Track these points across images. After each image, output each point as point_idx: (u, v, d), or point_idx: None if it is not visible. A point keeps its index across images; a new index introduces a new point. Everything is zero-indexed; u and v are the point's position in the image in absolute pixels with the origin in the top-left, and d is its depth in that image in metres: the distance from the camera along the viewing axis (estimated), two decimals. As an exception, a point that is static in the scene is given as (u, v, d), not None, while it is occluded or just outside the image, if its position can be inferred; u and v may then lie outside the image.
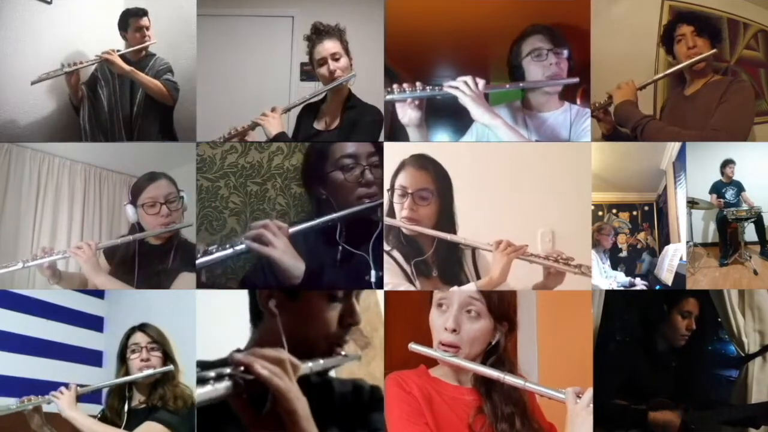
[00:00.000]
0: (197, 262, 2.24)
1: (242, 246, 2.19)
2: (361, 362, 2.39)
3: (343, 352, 1.68)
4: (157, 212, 2.54)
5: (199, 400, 1.34)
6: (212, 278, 2.56)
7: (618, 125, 2.63)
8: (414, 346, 2.00)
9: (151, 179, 2.57)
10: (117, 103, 2.77)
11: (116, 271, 2.55)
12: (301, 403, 1.43)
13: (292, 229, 2.24)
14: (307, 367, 1.54)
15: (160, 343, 2.51)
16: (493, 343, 1.99)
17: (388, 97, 2.47)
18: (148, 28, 2.78)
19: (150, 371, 2.45)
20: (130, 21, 2.77)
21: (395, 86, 2.45)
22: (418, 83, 2.44)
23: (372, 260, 2.34)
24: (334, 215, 2.33)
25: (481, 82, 2.42)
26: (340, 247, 2.35)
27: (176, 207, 2.56)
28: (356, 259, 2.35)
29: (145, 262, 2.56)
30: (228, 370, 1.37)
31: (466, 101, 2.41)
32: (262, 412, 1.38)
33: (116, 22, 2.78)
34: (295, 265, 2.18)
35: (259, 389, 1.39)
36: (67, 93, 2.76)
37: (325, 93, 2.64)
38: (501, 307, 2.00)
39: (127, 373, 2.48)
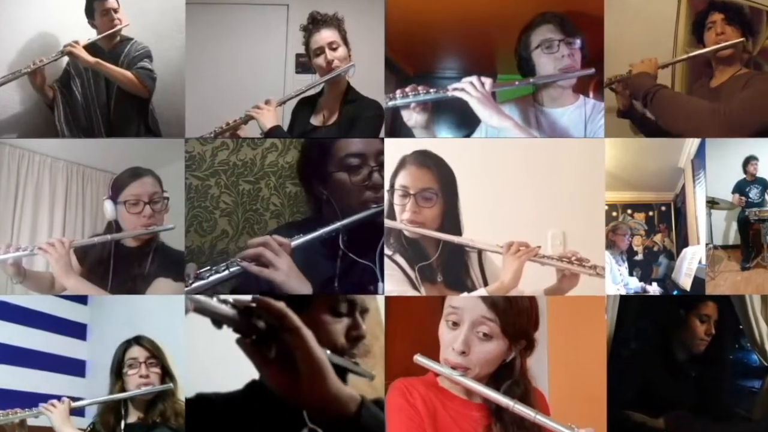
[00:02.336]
0: (188, 288, 2.15)
1: (238, 268, 2.12)
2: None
3: (355, 360, 1.77)
4: (140, 212, 2.51)
5: (214, 312, 1.30)
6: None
7: (632, 96, 2.66)
8: (420, 359, 1.97)
9: (135, 175, 2.55)
10: (92, 97, 2.76)
11: (88, 274, 2.53)
12: (304, 329, 1.41)
13: (294, 243, 2.19)
14: (326, 352, 1.53)
15: (158, 357, 2.52)
16: (507, 360, 1.95)
17: (390, 103, 2.47)
18: (116, 11, 2.72)
19: (150, 388, 2.47)
20: (95, 5, 2.72)
21: (398, 92, 2.45)
22: (421, 87, 2.44)
23: (379, 269, 2.33)
24: (339, 224, 2.29)
25: (487, 82, 2.42)
26: (341, 252, 2.33)
27: (160, 208, 2.55)
28: (360, 267, 2.33)
29: (120, 266, 2.54)
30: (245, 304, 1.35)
31: (473, 103, 2.40)
32: (271, 355, 1.37)
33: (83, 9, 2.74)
34: (300, 287, 2.16)
35: (270, 335, 1.38)
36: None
37: (323, 86, 2.64)
38: (518, 326, 1.94)
39: (123, 389, 2.50)
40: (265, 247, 2.12)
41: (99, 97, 2.75)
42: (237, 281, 2.32)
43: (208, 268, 2.14)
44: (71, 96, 2.76)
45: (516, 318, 1.94)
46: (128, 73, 2.71)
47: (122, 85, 2.71)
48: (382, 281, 2.32)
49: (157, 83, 2.76)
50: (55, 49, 2.73)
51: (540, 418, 1.84)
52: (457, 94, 2.41)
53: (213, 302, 1.29)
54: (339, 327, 1.77)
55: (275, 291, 2.10)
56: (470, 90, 2.40)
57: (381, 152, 2.40)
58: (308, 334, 1.35)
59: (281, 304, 1.36)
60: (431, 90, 2.44)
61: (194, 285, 2.12)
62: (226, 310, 1.30)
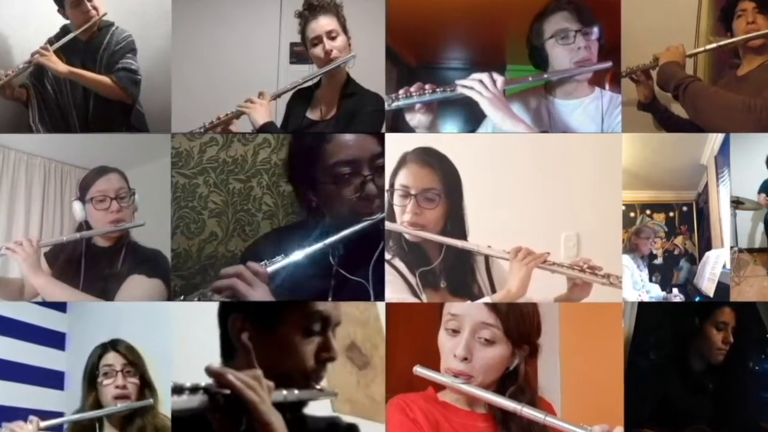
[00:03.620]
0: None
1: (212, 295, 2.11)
2: (359, 385, 2.53)
3: (318, 387, 1.76)
4: (107, 207, 2.53)
5: (174, 409, 1.47)
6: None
7: (660, 87, 2.65)
8: (420, 370, 1.98)
9: (100, 173, 2.57)
10: (68, 95, 2.72)
11: (59, 276, 2.54)
12: (275, 417, 1.54)
13: (271, 269, 2.14)
14: (281, 394, 1.62)
15: (136, 365, 2.51)
16: (511, 368, 1.98)
17: (393, 105, 2.44)
18: None
19: (127, 404, 2.45)
20: None
21: (401, 92, 2.42)
22: (427, 86, 2.41)
23: (372, 287, 2.29)
24: (326, 242, 2.21)
25: (499, 80, 2.39)
26: (333, 271, 2.28)
27: (127, 204, 2.56)
28: (352, 285, 2.29)
29: (91, 266, 2.56)
30: (203, 384, 1.49)
31: (484, 104, 2.38)
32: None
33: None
34: None
35: (235, 407, 1.51)
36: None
37: (320, 77, 2.61)
38: (521, 330, 1.97)
39: (97, 400, 2.48)
40: (238, 278, 2.07)
41: (75, 96, 2.71)
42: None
43: (182, 298, 2.26)
44: (45, 93, 2.72)
45: (518, 321, 1.96)
46: (107, 81, 2.67)
47: (102, 93, 2.68)
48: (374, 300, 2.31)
49: (141, 73, 2.72)
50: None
51: (550, 420, 1.86)
52: (466, 92, 2.39)
53: (183, 399, 1.46)
54: (309, 348, 1.75)
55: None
56: (481, 89, 2.37)
57: (377, 156, 2.30)
58: (264, 409, 1.51)
59: (233, 378, 1.50)
60: (438, 89, 2.41)
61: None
62: (191, 400, 1.46)
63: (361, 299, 2.30)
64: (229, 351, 1.77)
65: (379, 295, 2.29)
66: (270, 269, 2.13)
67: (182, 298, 2.22)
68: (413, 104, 2.42)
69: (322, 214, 2.30)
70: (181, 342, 2.41)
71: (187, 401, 1.47)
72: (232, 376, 1.52)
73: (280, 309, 1.77)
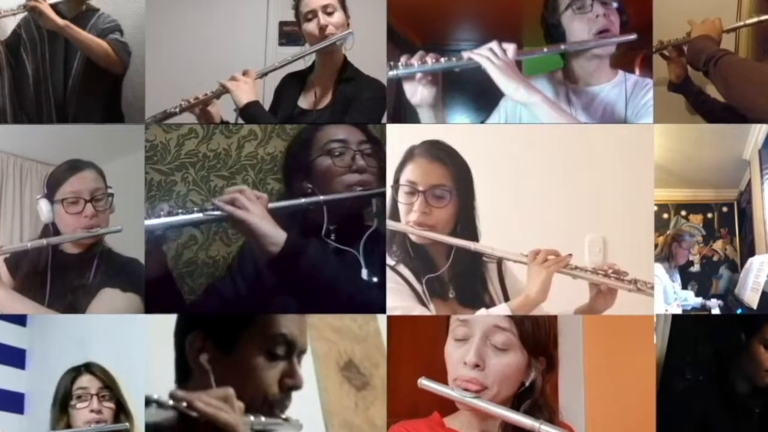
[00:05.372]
0: (150, 222, 2.21)
1: (215, 212, 2.20)
2: (357, 408, 2.54)
3: (283, 416, 1.76)
4: (80, 211, 2.46)
5: (147, 421, 1.52)
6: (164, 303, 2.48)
7: (690, 65, 2.63)
8: (425, 382, 1.94)
9: (73, 169, 2.51)
10: (46, 74, 2.71)
11: (22, 287, 2.50)
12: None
13: (271, 204, 2.25)
14: (248, 420, 1.63)
15: (111, 389, 2.49)
16: (527, 384, 1.92)
17: (392, 73, 2.39)
18: None
19: (101, 426, 2.45)
20: None
21: (402, 58, 2.39)
22: (430, 55, 2.38)
23: (363, 258, 2.33)
24: (321, 197, 2.33)
25: (510, 48, 2.36)
26: (329, 245, 2.35)
27: (103, 207, 2.50)
28: (345, 256, 2.34)
29: (58, 276, 2.50)
30: (171, 402, 1.52)
31: (494, 73, 2.34)
32: None
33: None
34: (274, 232, 2.19)
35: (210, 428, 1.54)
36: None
37: (314, 60, 2.61)
38: (537, 338, 1.93)
39: (68, 426, 2.47)
40: (241, 194, 2.21)
41: (54, 73, 2.72)
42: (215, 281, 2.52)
43: (181, 209, 2.25)
44: (20, 68, 2.72)
45: (534, 327, 1.94)
46: (103, 42, 2.68)
47: (94, 56, 2.68)
48: (366, 268, 2.33)
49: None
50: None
51: None
52: (475, 58, 2.35)
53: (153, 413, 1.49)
54: (273, 373, 1.75)
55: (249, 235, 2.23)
56: (490, 56, 2.35)
57: (364, 141, 2.43)
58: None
59: (203, 406, 1.52)
60: (442, 58, 2.38)
61: (164, 219, 2.22)
62: (160, 414, 1.49)
63: (353, 266, 2.32)
64: (184, 373, 1.77)
65: (370, 268, 2.33)
66: (271, 204, 2.25)
67: (178, 209, 2.24)
68: (414, 74, 2.39)
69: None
70: (156, 358, 2.29)
71: (157, 414, 1.50)
72: (201, 402, 1.52)
73: (241, 328, 1.77)
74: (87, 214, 2.46)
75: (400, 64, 2.38)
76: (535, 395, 1.92)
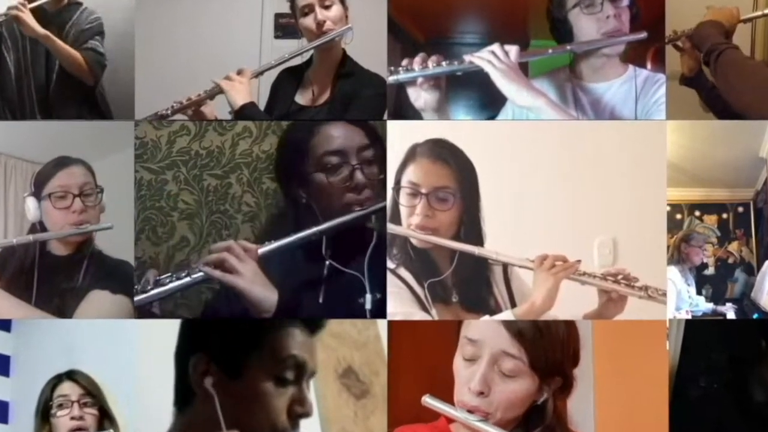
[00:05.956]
0: (139, 298, 2.26)
1: (201, 274, 2.23)
2: (357, 417, 2.54)
3: None
4: (68, 206, 2.45)
5: None
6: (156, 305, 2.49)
7: (695, 48, 2.60)
8: (429, 401, 1.93)
9: (61, 165, 2.50)
10: (28, 70, 2.70)
11: (7, 289, 2.47)
12: None
13: (261, 250, 2.25)
14: None
15: (94, 396, 2.47)
16: (539, 402, 1.90)
17: (392, 78, 2.40)
18: None
19: None
20: None
21: (404, 62, 2.39)
22: (431, 58, 2.38)
23: (368, 280, 2.31)
24: (316, 229, 2.31)
25: (512, 50, 2.37)
26: (327, 263, 2.35)
27: (92, 203, 2.48)
28: (346, 279, 2.33)
29: (46, 279, 2.49)
30: None
31: (496, 77, 2.35)
32: None
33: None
34: (265, 296, 2.20)
35: None
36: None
37: (311, 54, 2.60)
38: (550, 360, 1.89)
39: None
40: (229, 253, 2.22)
41: (36, 70, 2.71)
42: (209, 303, 2.52)
43: (169, 274, 2.26)
44: (2, 65, 2.71)
45: (548, 350, 1.90)
46: (77, 55, 2.68)
47: (66, 65, 2.68)
48: (370, 293, 2.31)
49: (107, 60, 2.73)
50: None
51: None
52: (477, 62, 2.36)
53: None
54: (282, 401, 1.72)
55: (240, 300, 2.23)
56: (492, 60, 2.35)
57: (365, 147, 2.38)
58: None
59: None
60: (443, 62, 2.38)
61: (152, 292, 2.26)
62: None
63: (355, 293, 2.31)
64: (185, 397, 1.75)
65: (375, 288, 2.31)
66: (261, 250, 2.25)
67: (169, 275, 2.24)
68: (416, 78, 2.39)
69: (312, 210, 2.37)
70: (147, 366, 2.40)
71: None
72: None
73: (248, 350, 1.75)
74: (75, 209, 2.45)
75: (400, 69, 2.39)
76: (547, 418, 1.91)
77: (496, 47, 2.36)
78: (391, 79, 2.41)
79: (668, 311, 2.45)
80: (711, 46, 2.49)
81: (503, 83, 2.34)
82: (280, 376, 1.73)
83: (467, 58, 2.37)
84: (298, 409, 1.74)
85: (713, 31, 2.52)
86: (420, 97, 2.41)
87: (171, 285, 2.24)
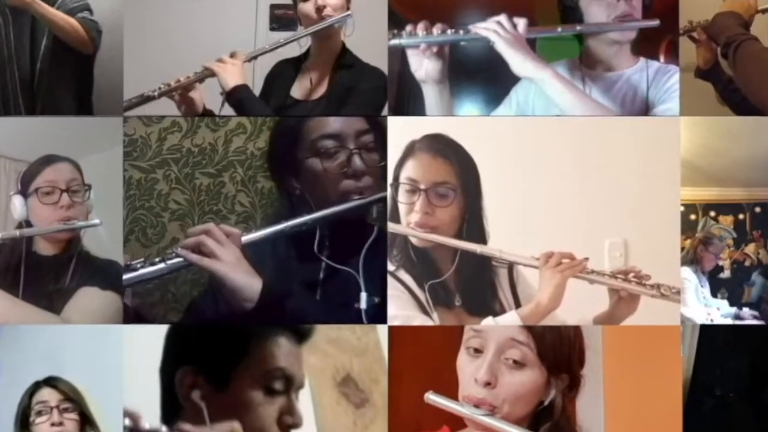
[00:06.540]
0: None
1: (178, 259, 2.15)
2: (356, 426, 2.53)
3: None
4: (56, 201, 2.44)
5: None
6: (146, 309, 2.53)
7: (712, 40, 2.60)
8: (432, 398, 1.94)
9: (48, 162, 2.50)
10: (11, 57, 2.68)
11: None
12: None
13: (245, 237, 2.19)
14: None
15: (74, 401, 2.46)
16: (546, 403, 1.90)
17: (394, 41, 2.38)
18: None
19: None
20: None
21: (408, 27, 2.38)
22: (437, 25, 2.37)
23: (363, 279, 2.29)
24: (307, 218, 2.27)
25: (521, 22, 2.36)
26: (323, 264, 2.33)
27: (80, 199, 2.47)
28: (342, 278, 2.31)
29: (33, 279, 2.48)
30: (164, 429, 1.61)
31: (501, 47, 2.33)
32: None
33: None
34: (247, 283, 2.14)
35: None
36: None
37: (309, 47, 2.59)
38: (558, 354, 1.91)
39: None
40: (207, 236, 2.15)
41: (20, 56, 2.70)
42: (193, 298, 2.51)
43: (142, 260, 2.20)
44: None
45: (556, 343, 1.93)
46: (72, 20, 2.66)
47: (63, 34, 2.65)
48: (365, 291, 2.29)
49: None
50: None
51: None
52: (482, 32, 2.34)
53: None
54: (271, 410, 1.74)
55: (220, 288, 2.17)
56: (498, 29, 2.35)
57: (364, 131, 2.36)
58: None
59: None
60: (448, 30, 2.37)
61: (123, 277, 2.21)
62: None
63: (351, 293, 2.28)
64: (173, 410, 1.77)
65: (371, 288, 2.29)
66: (245, 237, 2.19)
67: (142, 261, 2.17)
68: (418, 44, 2.38)
69: (305, 202, 2.34)
70: (133, 370, 2.37)
71: None
72: None
73: (236, 362, 1.76)
74: (63, 204, 2.44)
75: (404, 32, 2.38)
76: (555, 417, 1.91)
77: (503, 17, 2.36)
78: (392, 42, 2.39)
79: (689, 311, 2.49)
80: (729, 38, 2.47)
81: (508, 53, 2.34)
82: (268, 386, 1.76)
83: (472, 28, 2.37)
84: (288, 420, 1.76)
85: (731, 22, 2.51)
86: (422, 66, 2.40)
87: (142, 270, 2.16)
